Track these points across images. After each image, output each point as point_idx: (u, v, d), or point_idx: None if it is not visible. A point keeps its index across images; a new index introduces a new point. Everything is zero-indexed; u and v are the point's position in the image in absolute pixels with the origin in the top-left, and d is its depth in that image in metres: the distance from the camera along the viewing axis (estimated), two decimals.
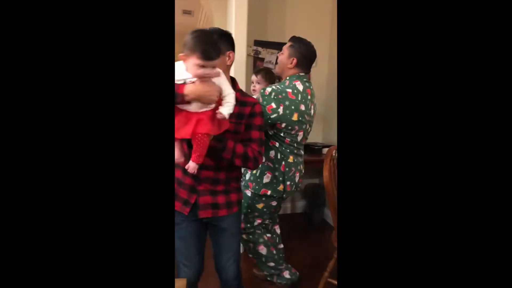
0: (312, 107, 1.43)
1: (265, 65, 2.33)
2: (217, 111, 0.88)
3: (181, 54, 0.87)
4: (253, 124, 1.05)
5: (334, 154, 1.49)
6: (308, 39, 1.40)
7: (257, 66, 2.31)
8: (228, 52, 1.01)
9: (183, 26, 4.30)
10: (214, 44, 0.85)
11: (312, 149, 2.28)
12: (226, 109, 0.89)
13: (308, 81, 1.41)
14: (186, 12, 3.54)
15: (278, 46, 2.34)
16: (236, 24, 1.72)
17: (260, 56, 2.33)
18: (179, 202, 1.05)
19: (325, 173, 1.37)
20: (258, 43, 2.31)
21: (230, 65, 1.05)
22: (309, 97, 1.38)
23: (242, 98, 1.03)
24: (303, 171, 1.48)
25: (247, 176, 1.45)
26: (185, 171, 0.96)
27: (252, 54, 2.29)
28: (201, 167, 0.94)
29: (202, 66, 0.83)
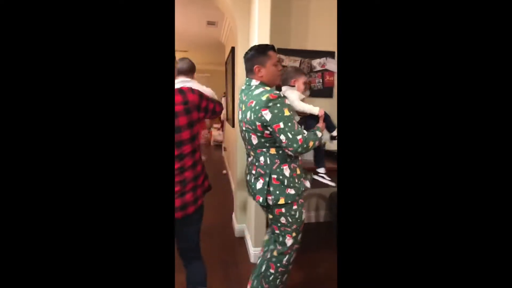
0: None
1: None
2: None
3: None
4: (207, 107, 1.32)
5: None
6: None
7: None
8: None
9: (208, 36, 4.44)
10: None
11: (335, 157, 2.23)
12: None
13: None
14: (210, 23, 3.65)
15: (301, 53, 2.35)
16: (259, 34, 1.74)
17: (283, 64, 2.34)
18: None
19: None
20: (281, 51, 2.32)
21: None
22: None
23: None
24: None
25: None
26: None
27: None
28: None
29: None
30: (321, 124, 1.39)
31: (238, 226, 2.38)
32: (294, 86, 1.48)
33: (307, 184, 1.41)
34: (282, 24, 2.28)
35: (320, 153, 1.72)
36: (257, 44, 1.63)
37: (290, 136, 1.18)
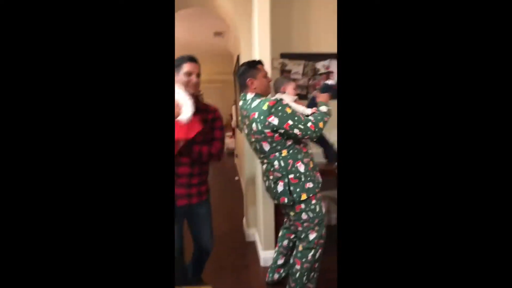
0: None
1: (292, 76, 2.36)
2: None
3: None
4: (216, 126, 1.38)
5: None
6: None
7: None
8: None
9: (216, 47, 4.56)
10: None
11: None
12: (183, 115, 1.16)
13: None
14: (217, 34, 3.75)
15: (304, 57, 2.37)
16: (260, 41, 1.79)
17: (287, 68, 2.37)
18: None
19: None
20: (284, 55, 2.36)
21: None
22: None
23: (203, 107, 1.35)
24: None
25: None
26: None
27: (278, 67, 2.35)
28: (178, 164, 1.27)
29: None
30: (321, 97, 1.49)
31: (248, 230, 2.40)
32: (284, 92, 1.57)
33: (319, 177, 1.47)
34: (283, 28, 2.32)
35: (327, 147, 1.77)
36: (256, 52, 1.70)
37: (302, 127, 1.30)
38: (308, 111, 1.49)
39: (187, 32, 3.73)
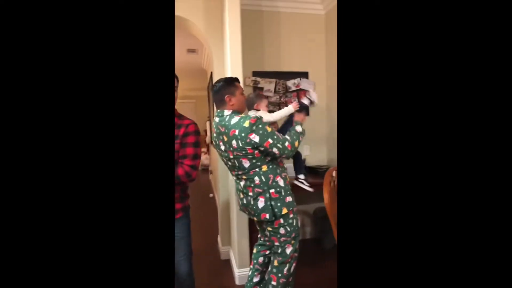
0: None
1: (264, 93, 2.43)
2: None
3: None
4: (187, 142, 1.25)
5: (334, 175, 1.50)
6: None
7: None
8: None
9: (190, 63, 4.57)
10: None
11: (316, 172, 2.28)
12: None
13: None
14: (191, 51, 3.78)
15: (275, 75, 2.46)
16: (232, 59, 1.84)
17: (259, 85, 2.43)
18: None
19: (325, 195, 1.37)
20: (256, 73, 2.43)
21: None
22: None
23: (177, 121, 1.27)
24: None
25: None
26: None
27: (251, 84, 2.40)
28: None
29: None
30: (297, 117, 1.56)
31: (223, 248, 2.35)
32: (259, 110, 1.59)
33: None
34: (255, 48, 2.40)
35: (299, 161, 1.92)
36: (229, 70, 1.74)
37: (280, 146, 1.34)
38: (290, 108, 1.56)
39: None
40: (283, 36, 2.49)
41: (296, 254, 1.48)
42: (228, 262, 2.27)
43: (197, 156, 1.27)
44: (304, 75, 2.53)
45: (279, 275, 1.45)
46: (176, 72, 1.30)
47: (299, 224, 1.49)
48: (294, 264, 1.49)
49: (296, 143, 1.41)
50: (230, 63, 1.84)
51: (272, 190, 1.37)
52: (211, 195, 4.35)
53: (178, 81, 1.31)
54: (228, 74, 1.92)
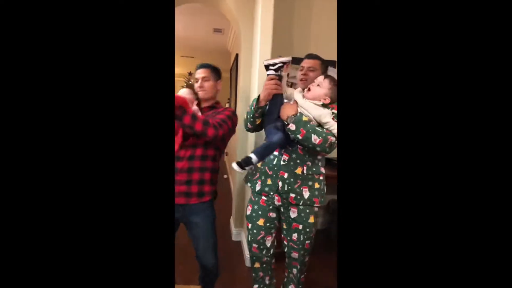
0: None
1: (290, 80, 2.37)
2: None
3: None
4: (222, 112, 1.33)
5: None
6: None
7: None
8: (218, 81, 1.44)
9: (214, 43, 4.53)
10: None
11: (334, 164, 2.24)
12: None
13: None
14: (217, 30, 3.73)
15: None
16: (262, 41, 1.79)
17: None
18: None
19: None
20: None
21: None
22: None
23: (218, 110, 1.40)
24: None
25: (308, 193, 1.38)
26: None
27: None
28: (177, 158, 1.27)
29: None
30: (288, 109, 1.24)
31: (235, 230, 2.39)
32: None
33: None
34: (285, 31, 2.33)
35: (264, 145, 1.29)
36: (258, 53, 1.68)
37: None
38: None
39: (185, 27, 3.69)
40: (314, 23, 2.40)
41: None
42: (239, 243, 2.32)
43: (225, 122, 1.24)
44: (332, 63, 2.44)
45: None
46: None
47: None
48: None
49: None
50: (260, 45, 1.79)
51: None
52: (225, 176, 4.41)
53: (220, 75, 1.45)
54: (256, 57, 1.88)
